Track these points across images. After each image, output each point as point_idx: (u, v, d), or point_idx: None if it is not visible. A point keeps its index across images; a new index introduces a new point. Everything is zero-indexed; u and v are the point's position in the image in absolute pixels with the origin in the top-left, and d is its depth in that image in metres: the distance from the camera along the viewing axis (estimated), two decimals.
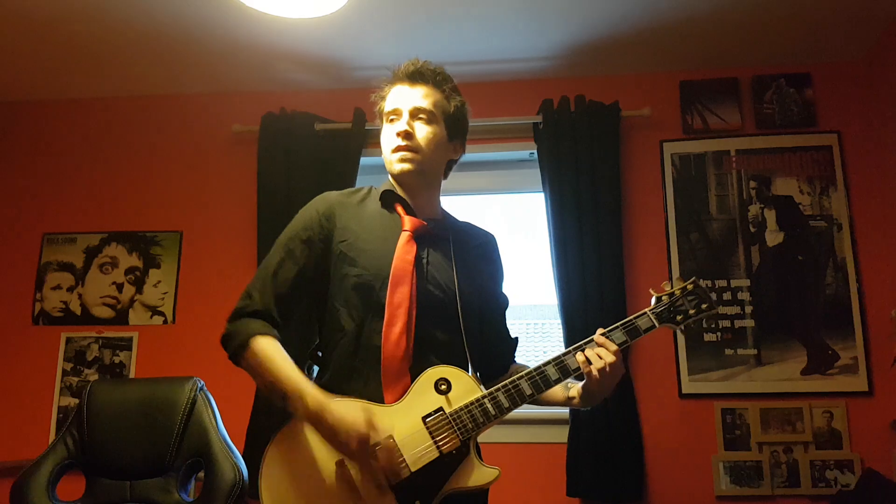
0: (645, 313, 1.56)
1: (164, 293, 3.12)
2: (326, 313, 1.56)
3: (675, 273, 2.88)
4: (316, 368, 1.61)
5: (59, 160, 3.31)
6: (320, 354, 1.59)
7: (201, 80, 3.20)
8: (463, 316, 1.55)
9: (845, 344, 2.76)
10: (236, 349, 1.48)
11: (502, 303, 1.75)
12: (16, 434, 2.99)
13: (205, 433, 2.18)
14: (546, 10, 2.66)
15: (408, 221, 1.57)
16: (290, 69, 3.08)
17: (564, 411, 2.75)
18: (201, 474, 2.18)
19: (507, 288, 1.76)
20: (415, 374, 1.47)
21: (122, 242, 3.18)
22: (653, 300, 1.59)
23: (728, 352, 2.80)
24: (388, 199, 1.63)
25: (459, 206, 3.24)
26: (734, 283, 2.86)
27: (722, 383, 2.77)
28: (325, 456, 1.42)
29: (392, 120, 1.61)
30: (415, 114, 1.59)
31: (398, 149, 1.58)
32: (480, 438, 1.48)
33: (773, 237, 2.89)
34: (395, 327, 1.46)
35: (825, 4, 2.62)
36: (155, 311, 3.10)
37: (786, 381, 2.75)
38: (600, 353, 1.48)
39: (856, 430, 2.68)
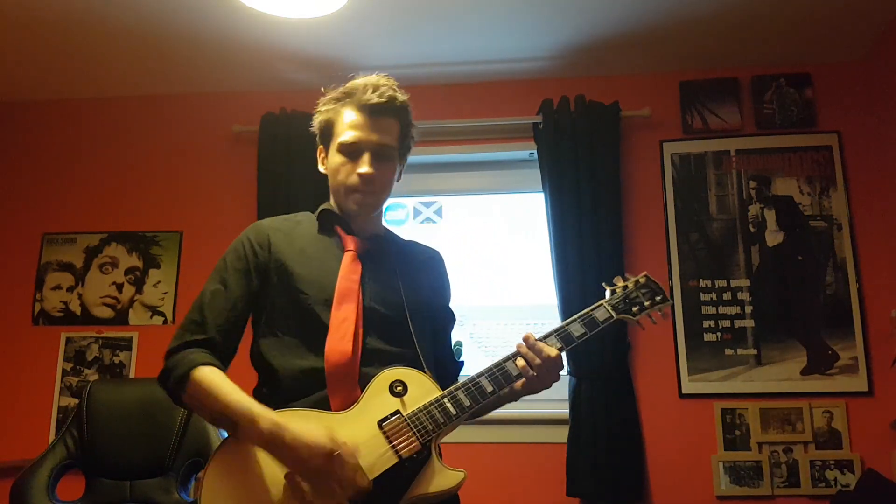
0: (601, 305, 1.53)
1: (164, 293, 3.12)
2: (265, 341, 1.47)
3: (676, 273, 2.88)
4: None
5: (59, 160, 3.31)
6: (265, 390, 1.47)
7: (201, 80, 3.20)
8: (414, 329, 1.48)
9: (845, 344, 2.75)
10: (177, 382, 1.36)
11: (449, 318, 1.67)
12: (16, 434, 2.99)
13: (205, 433, 2.18)
14: (546, 10, 2.66)
15: (350, 241, 1.52)
16: (290, 69, 3.08)
17: (564, 411, 2.75)
18: (201, 474, 2.18)
19: (454, 305, 1.69)
20: (364, 387, 1.39)
21: (122, 242, 3.18)
22: (607, 293, 1.57)
23: (728, 352, 2.80)
24: (326, 220, 1.56)
25: (460, 206, 3.25)
26: (734, 283, 2.86)
27: (722, 383, 2.77)
28: (273, 470, 1.30)
29: (353, 153, 1.49)
30: (377, 153, 1.49)
31: (357, 190, 1.49)
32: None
33: (773, 237, 2.89)
34: (339, 339, 1.39)
35: (825, 4, 2.62)
36: (155, 311, 3.10)
37: (786, 381, 2.75)
38: (539, 352, 1.43)
39: (856, 430, 2.68)
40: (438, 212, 3.24)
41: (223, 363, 1.43)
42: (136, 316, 3.10)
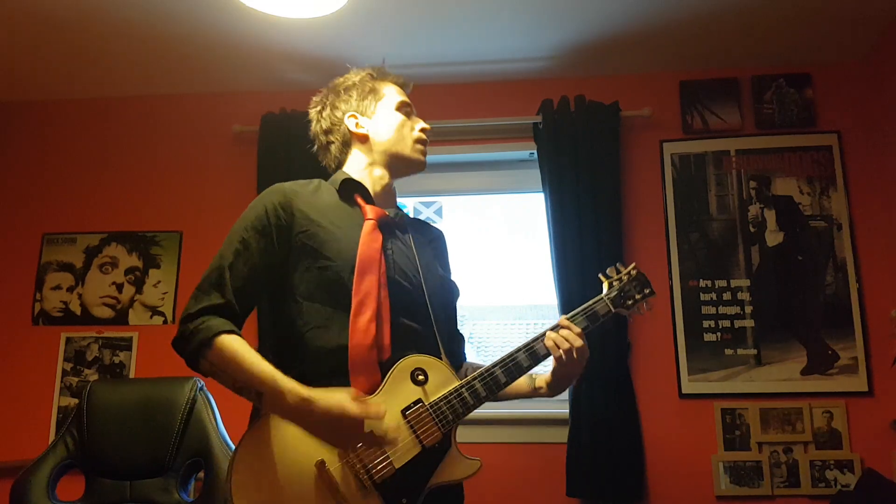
0: (602, 299, 1.61)
1: (164, 293, 3.12)
2: (286, 309, 1.46)
3: (676, 273, 2.88)
4: None
5: (59, 160, 3.31)
6: (270, 357, 1.43)
7: (201, 80, 3.20)
8: (431, 305, 1.51)
9: (845, 344, 2.75)
10: (197, 348, 1.34)
11: (457, 292, 1.71)
12: (16, 434, 2.99)
13: (205, 433, 2.18)
14: (546, 10, 2.66)
15: (370, 210, 1.53)
16: (290, 69, 3.08)
17: (564, 411, 2.75)
18: (201, 474, 2.18)
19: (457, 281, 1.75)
20: (387, 366, 1.39)
21: (122, 242, 3.18)
22: (605, 287, 1.64)
23: (728, 352, 2.80)
24: (347, 188, 1.58)
25: (460, 206, 3.25)
26: (734, 283, 2.86)
27: (722, 383, 2.77)
28: (301, 458, 1.31)
29: (408, 113, 1.65)
30: None
31: (423, 142, 1.65)
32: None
33: (773, 237, 2.89)
34: (363, 316, 1.39)
35: (825, 4, 2.62)
36: (155, 311, 3.10)
37: (786, 381, 2.75)
38: (567, 337, 1.50)
39: (856, 430, 2.68)
40: (438, 212, 3.24)
41: (238, 328, 1.42)
42: (136, 316, 3.10)
